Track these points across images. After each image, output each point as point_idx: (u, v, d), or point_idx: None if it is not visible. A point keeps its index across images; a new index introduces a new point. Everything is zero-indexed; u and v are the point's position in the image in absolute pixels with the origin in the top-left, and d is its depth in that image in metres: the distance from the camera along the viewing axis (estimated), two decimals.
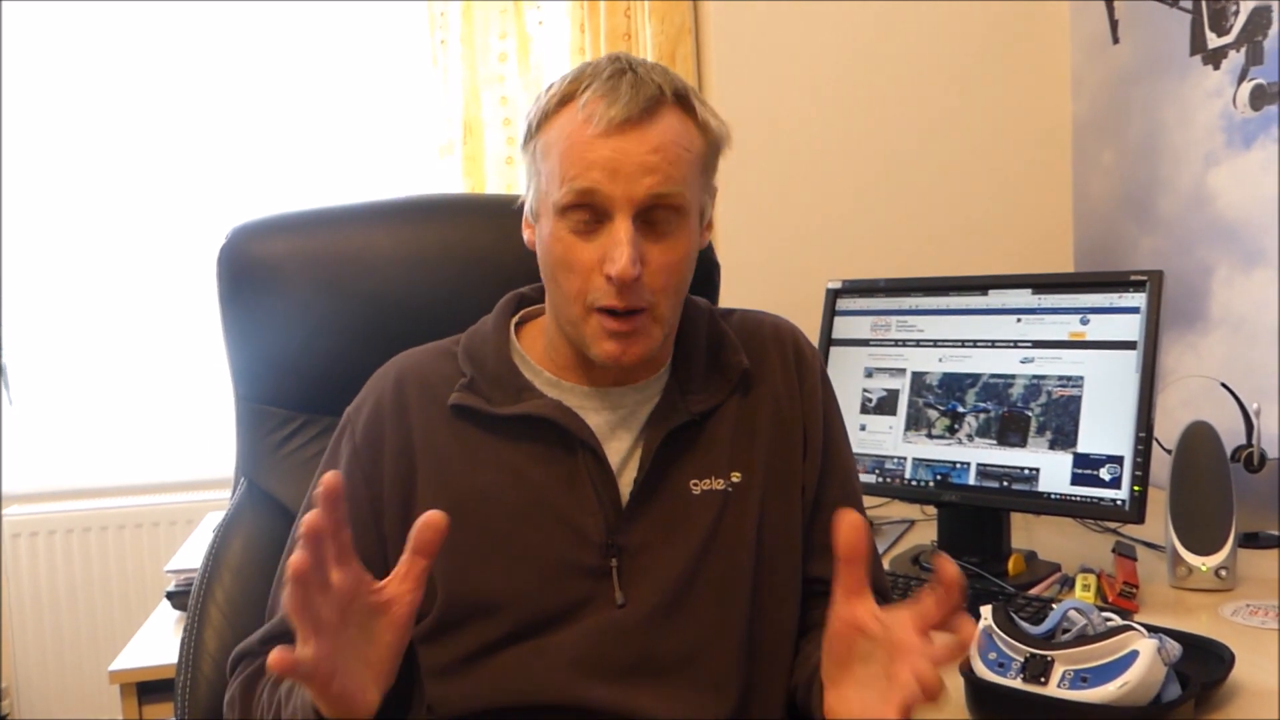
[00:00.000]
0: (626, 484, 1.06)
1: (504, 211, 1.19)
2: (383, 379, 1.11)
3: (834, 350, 1.80)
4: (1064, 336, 1.57)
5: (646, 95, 0.97)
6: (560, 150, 0.98)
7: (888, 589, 1.20)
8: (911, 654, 0.80)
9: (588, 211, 0.98)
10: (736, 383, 1.11)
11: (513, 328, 1.13)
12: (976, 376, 1.63)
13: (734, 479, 1.08)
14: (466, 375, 1.08)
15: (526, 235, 1.09)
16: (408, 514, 1.03)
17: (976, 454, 1.60)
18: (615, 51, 1.05)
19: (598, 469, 1.05)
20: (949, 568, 0.81)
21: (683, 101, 1.01)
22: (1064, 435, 1.53)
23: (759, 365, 1.13)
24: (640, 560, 1.04)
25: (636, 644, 1.03)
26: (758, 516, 1.09)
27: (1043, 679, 1.04)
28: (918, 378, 1.69)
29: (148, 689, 1.76)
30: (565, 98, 1.00)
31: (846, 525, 0.83)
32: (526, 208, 1.07)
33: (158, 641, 1.81)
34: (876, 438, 1.71)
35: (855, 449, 1.70)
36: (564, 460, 1.05)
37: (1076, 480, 1.51)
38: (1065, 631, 1.09)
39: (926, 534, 1.79)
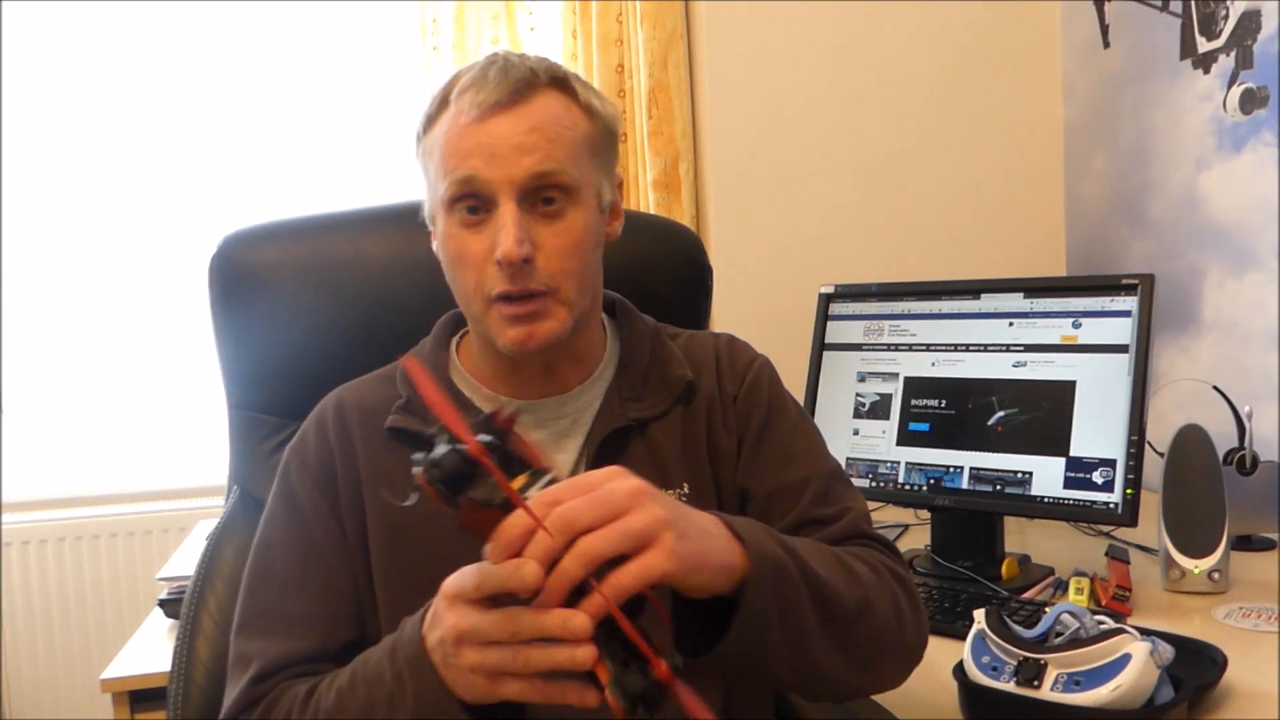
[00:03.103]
0: None
1: None
2: (322, 412, 1.09)
3: (827, 355, 1.80)
4: (1056, 340, 1.57)
5: (516, 78, 0.97)
6: (440, 146, 0.99)
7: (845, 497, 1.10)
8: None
9: (473, 200, 0.97)
10: (680, 395, 1.09)
11: (453, 347, 1.12)
12: (969, 380, 1.64)
13: (684, 490, 1.06)
14: (403, 397, 1.06)
15: (435, 246, 1.06)
16: (364, 542, 1.03)
17: (969, 458, 1.61)
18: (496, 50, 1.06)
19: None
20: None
21: (560, 84, 1.00)
22: (1056, 439, 1.53)
23: (701, 379, 1.11)
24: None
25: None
26: None
27: (1036, 682, 1.04)
28: (910, 382, 1.69)
29: (140, 697, 1.76)
30: (443, 98, 1.00)
31: None
32: (426, 216, 1.06)
33: (150, 649, 1.81)
34: (870, 442, 1.71)
35: (848, 453, 1.72)
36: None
37: (1069, 484, 1.51)
38: (1059, 635, 1.09)
39: (920, 538, 1.79)
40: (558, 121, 0.98)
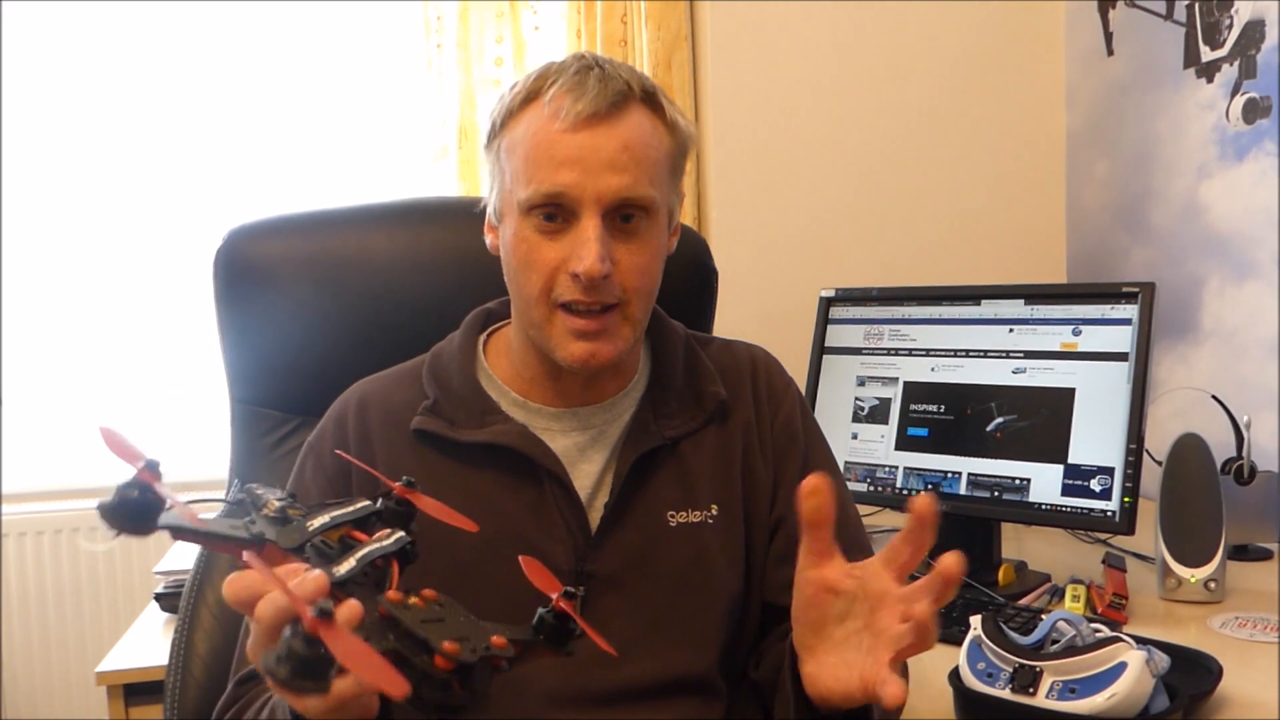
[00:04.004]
0: (598, 510, 1.03)
1: None
2: (344, 406, 1.08)
3: (826, 358, 1.80)
4: (1056, 347, 1.57)
5: (615, 90, 0.95)
6: (526, 148, 0.96)
7: (870, 549, 1.15)
8: (893, 600, 0.78)
9: (554, 210, 0.95)
10: (713, 413, 1.08)
11: (480, 345, 1.10)
12: (969, 386, 1.64)
13: (713, 512, 1.05)
14: (430, 397, 1.04)
15: (489, 240, 1.06)
16: None
17: (967, 463, 1.61)
18: (581, 50, 1.04)
19: (564, 496, 1.02)
20: (922, 500, 0.77)
21: (650, 99, 0.99)
22: (1055, 446, 1.53)
23: (735, 398, 1.10)
24: (611, 590, 1.01)
25: (611, 675, 0.99)
26: (743, 550, 1.07)
27: (1031, 690, 1.04)
28: (910, 387, 1.70)
29: (134, 690, 1.75)
30: (530, 95, 0.98)
31: (809, 490, 0.81)
32: (489, 210, 1.04)
33: (145, 643, 1.80)
34: (868, 446, 1.71)
35: (847, 458, 1.72)
36: (530, 488, 1.02)
37: (1067, 491, 1.51)
38: (1054, 642, 1.09)
39: None
40: (646, 141, 0.97)
